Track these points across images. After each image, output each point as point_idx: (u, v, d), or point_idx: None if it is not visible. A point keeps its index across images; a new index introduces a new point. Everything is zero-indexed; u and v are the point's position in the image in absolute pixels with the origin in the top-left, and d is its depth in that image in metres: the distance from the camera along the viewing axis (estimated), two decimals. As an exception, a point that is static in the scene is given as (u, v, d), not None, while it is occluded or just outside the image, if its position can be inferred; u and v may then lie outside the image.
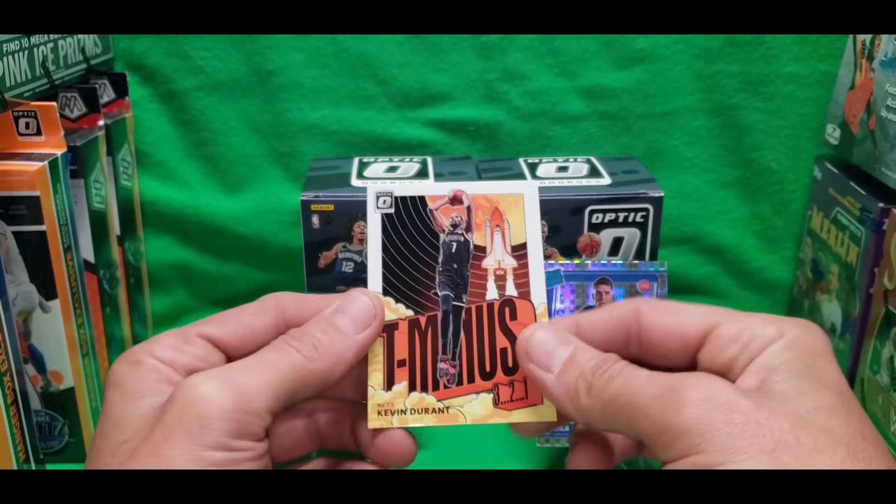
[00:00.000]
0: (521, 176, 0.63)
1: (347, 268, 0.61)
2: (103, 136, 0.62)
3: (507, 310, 0.36)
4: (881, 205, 0.58)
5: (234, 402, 0.29)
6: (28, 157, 0.53)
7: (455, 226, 0.37)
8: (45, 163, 0.52)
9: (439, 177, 0.63)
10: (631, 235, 0.61)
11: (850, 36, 0.65)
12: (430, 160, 0.67)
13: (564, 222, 0.60)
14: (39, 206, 0.52)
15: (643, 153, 0.72)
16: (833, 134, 0.67)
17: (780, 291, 0.75)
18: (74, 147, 0.57)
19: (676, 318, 0.33)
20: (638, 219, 0.60)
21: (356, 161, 0.66)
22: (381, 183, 0.38)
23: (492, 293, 0.36)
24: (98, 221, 0.61)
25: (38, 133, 0.54)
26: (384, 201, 0.37)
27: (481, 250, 0.36)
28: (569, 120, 0.71)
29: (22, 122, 0.54)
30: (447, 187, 0.37)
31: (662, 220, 0.61)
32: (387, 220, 0.37)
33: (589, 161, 0.67)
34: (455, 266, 0.36)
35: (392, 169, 0.65)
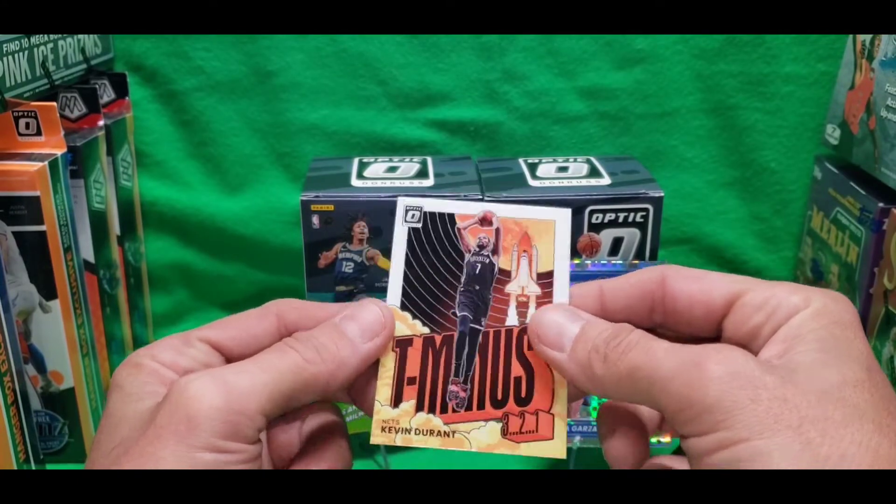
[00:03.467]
0: (521, 176, 0.63)
1: (347, 268, 0.61)
2: (103, 137, 0.62)
3: (525, 338, 0.35)
4: (881, 205, 0.58)
5: (225, 401, 0.29)
6: (28, 157, 0.53)
7: (482, 247, 0.36)
8: (45, 163, 0.52)
9: (439, 177, 0.63)
10: (631, 235, 0.61)
11: (850, 36, 0.65)
12: (430, 160, 0.67)
13: (564, 222, 0.60)
14: (39, 207, 0.52)
15: (643, 153, 0.72)
16: (833, 134, 0.67)
17: (779, 291, 0.75)
18: (74, 147, 0.57)
19: (701, 285, 0.32)
20: (638, 219, 0.60)
21: (356, 161, 0.66)
22: (413, 197, 0.37)
23: (512, 319, 0.35)
24: (98, 221, 0.61)
25: (38, 133, 0.54)
26: (413, 215, 0.36)
27: (506, 274, 0.35)
28: (568, 120, 0.71)
29: (22, 122, 0.54)
30: (478, 207, 0.36)
31: (662, 220, 0.61)
32: (413, 234, 0.36)
33: (589, 161, 0.67)
34: (477, 288, 0.35)
35: (392, 169, 0.64)
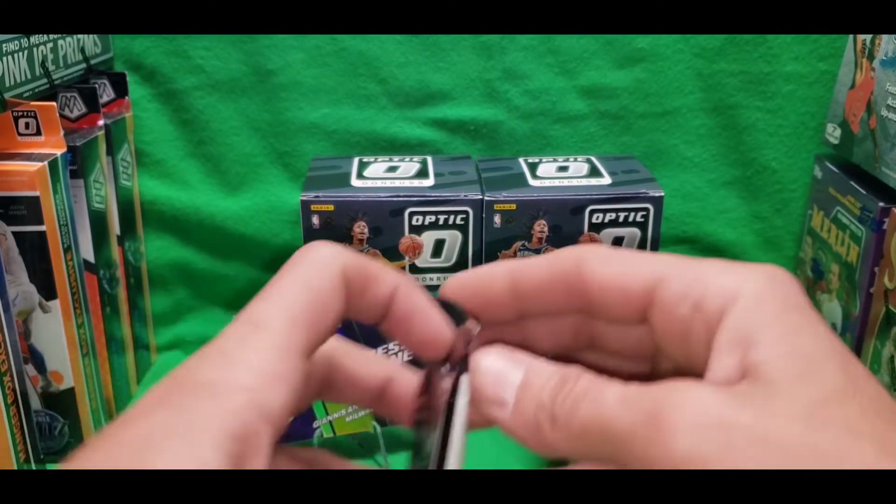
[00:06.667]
0: (521, 176, 0.63)
1: (347, 267, 0.61)
2: (103, 136, 0.62)
3: None
4: (881, 204, 0.58)
5: None
6: (28, 157, 0.53)
7: None
8: (45, 163, 0.52)
9: (439, 176, 0.63)
10: (631, 235, 0.61)
11: (851, 35, 0.65)
12: (429, 160, 0.67)
13: (564, 222, 0.60)
14: (39, 207, 0.52)
15: (643, 152, 0.72)
16: (833, 133, 0.67)
17: (780, 291, 0.76)
18: (74, 147, 0.57)
19: (616, 270, 0.26)
20: (638, 218, 0.60)
21: (356, 161, 0.66)
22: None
23: None
24: (98, 221, 0.61)
25: (38, 133, 0.54)
26: None
27: None
28: (569, 119, 0.71)
29: (22, 122, 0.54)
30: None
31: (662, 220, 0.61)
32: None
33: (589, 161, 0.67)
34: None
35: (392, 169, 0.64)
